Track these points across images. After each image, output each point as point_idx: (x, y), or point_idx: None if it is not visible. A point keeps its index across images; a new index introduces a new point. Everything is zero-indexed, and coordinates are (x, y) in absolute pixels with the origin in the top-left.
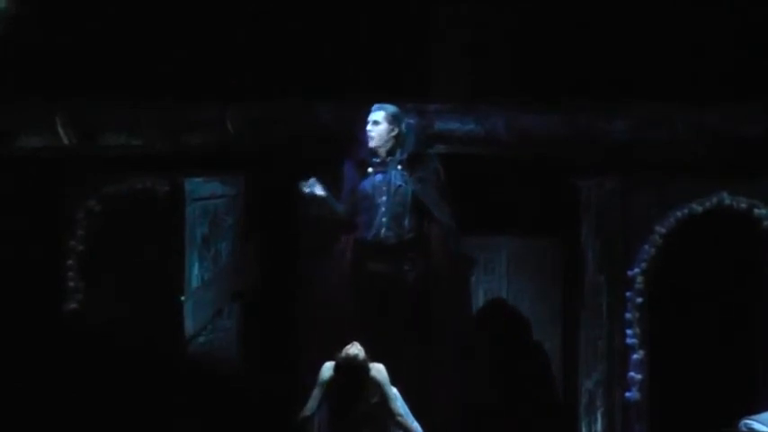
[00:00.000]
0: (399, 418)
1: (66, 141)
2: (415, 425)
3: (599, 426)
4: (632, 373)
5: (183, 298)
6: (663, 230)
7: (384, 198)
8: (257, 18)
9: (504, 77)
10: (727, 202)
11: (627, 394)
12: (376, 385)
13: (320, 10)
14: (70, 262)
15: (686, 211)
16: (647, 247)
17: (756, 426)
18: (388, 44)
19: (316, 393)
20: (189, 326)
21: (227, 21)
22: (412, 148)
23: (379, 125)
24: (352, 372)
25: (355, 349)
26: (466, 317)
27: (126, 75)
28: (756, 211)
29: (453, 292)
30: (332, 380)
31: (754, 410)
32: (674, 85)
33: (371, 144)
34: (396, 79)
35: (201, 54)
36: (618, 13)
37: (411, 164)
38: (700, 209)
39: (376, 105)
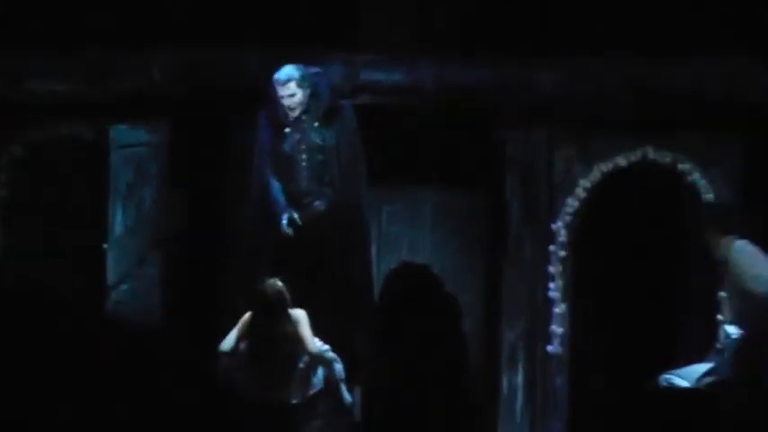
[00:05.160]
0: (316, 354)
1: None
2: (333, 355)
3: (520, 378)
4: (554, 327)
5: (105, 246)
6: (587, 184)
7: (304, 156)
8: None
9: (432, 28)
10: (652, 156)
11: (548, 347)
12: (293, 322)
13: None
14: None
15: (610, 164)
16: (570, 200)
17: (677, 380)
18: None
19: (234, 331)
20: (111, 274)
21: None
22: (327, 102)
23: (295, 96)
24: (270, 297)
25: (275, 279)
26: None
27: (52, 20)
28: (680, 165)
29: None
30: (251, 314)
31: (675, 366)
32: (600, 39)
33: (296, 113)
34: (323, 28)
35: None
36: None
37: (327, 118)
38: (624, 162)
39: (282, 75)
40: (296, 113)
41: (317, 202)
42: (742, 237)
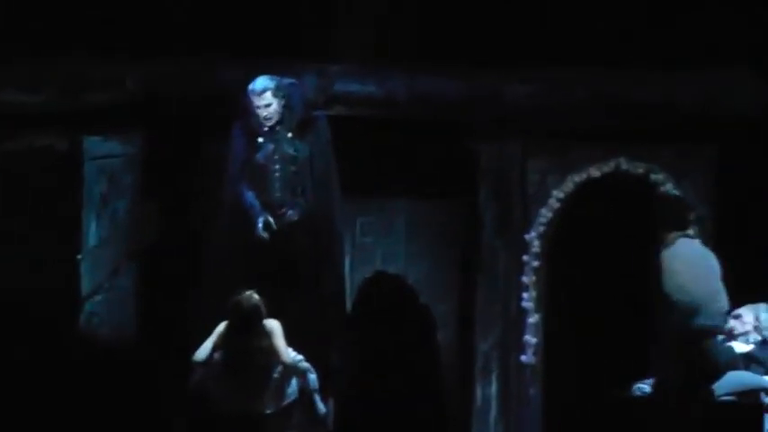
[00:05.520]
0: (290, 365)
1: None
2: (307, 365)
3: (493, 388)
4: (527, 337)
5: (80, 256)
6: (561, 195)
7: (277, 166)
8: None
9: (406, 40)
10: (625, 167)
11: (522, 357)
12: (267, 333)
13: None
14: None
15: (584, 175)
16: (544, 210)
17: (649, 389)
18: (291, 2)
19: (209, 341)
20: (85, 284)
21: None
22: (301, 112)
23: (271, 106)
24: (246, 311)
25: (251, 292)
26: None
27: (26, 31)
28: (653, 176)
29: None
30: (226, 326)
31: (647, 375)
32: (573, 51)
33: (271, 123)
34: (297, 39)
35: (103, 11)
36: None
37: (301, 129)
38: (598, 173)
39: (258, 85)
40: (271, 123)
41: (290, 212)
42: (688, 235)
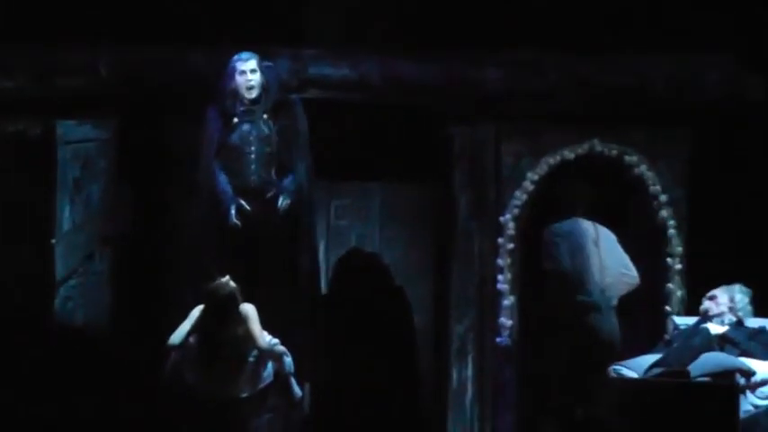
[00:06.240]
0: (266, 349)
1: None
2: (283, 348)
3: (469, 370)
4: (503, 319)
5: (54, 241)
6: (535, 177)
7: (253, 148)
8: None
9: (379, 23)
10: (599, 149)
11: (497, 339)
12: (243, 319)
13: None
14: None
15: (558, 158)
16: (518, 193)
17: (625, 371)
18: None
19: (184, 325)
20: (60, 269)
21: None
22: (276, 95)
23: (256, 72)
24: (221, 299)
25: (227, 279)
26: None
27: None
28: (627, 158)
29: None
30: (202, 311)
31: (624, 356)
32: (546, 34)
33: (254, 94)
34: (270, 23)
35: None
36: None
37: (275, 111)
38: (572, 156)
39: (243, 54)
40: (253, 95)
41: (281, 197)
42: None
